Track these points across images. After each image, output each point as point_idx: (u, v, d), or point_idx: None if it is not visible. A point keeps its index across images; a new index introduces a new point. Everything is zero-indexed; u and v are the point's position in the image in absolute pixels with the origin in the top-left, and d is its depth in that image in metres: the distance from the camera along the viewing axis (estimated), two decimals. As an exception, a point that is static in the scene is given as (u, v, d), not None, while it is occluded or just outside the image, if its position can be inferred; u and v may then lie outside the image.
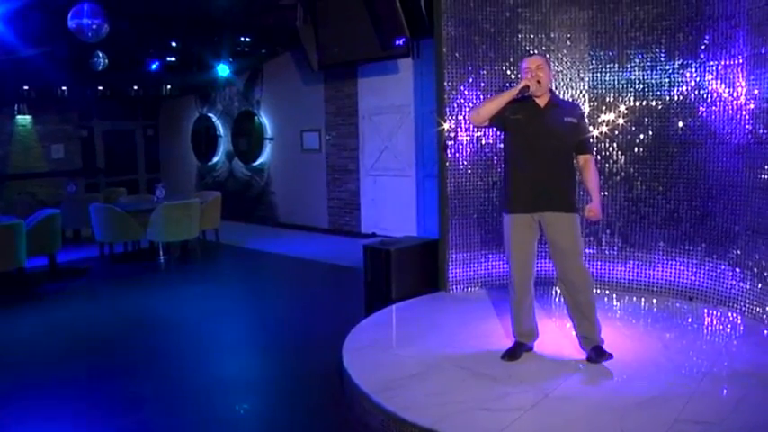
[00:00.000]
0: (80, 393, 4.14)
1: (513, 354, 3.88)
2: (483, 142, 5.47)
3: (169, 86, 13.38)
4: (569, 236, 3.73)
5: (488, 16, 5.36)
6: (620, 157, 5.40)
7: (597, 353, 3.72)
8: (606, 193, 5.43)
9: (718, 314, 4.75)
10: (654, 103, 5.24)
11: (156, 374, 4.49)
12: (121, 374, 4.45)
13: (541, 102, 3.79)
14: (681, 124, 5.11)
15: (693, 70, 5.01)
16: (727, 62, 4.75)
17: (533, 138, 3.74)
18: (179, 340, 5.28)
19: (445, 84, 5.34)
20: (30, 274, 7.54)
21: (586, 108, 5.38)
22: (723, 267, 4.85)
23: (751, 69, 4.49)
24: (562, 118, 3.76)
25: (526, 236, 3.81)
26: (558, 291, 4.22)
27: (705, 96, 4.95)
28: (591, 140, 4.32)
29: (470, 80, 5.39)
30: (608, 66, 5.38)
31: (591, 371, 3.66)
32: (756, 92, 4.44)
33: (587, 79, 5.45)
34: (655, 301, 5.18)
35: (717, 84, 4.85)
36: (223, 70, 11.05)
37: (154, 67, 10.46)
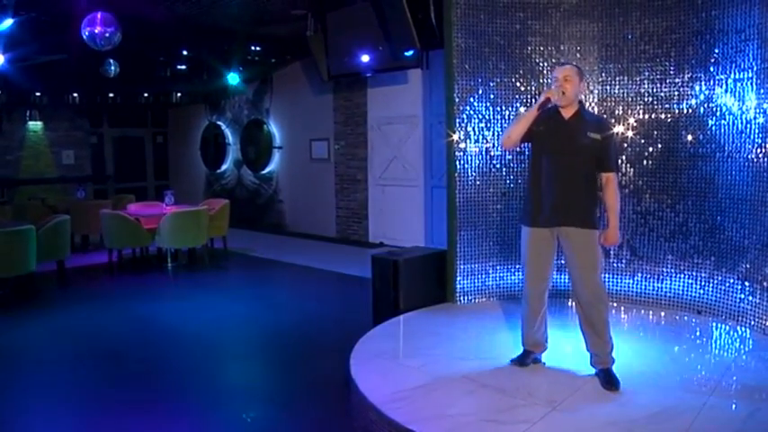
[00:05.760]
0: (87, 398, 4.16)
1: (521, 360, 3.89)
2: (492, 153, 5.48)
3: (179, 94, 13.50)
4: (587, 252, 3.68)
5: (498, 28, 5.39)
6: (629, 169, 5.40)
7: (605, 378, 3.64)
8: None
9: (727, 328, 4.73)
10: (663, 117, 5.24)
11: (162, 381, 4.50)
12: (128, 380, 4.46)
13: (566, 113, 3.72)
14: (690, 137, 5.11)
15: (703, 84, 5.01)
16: (737, 76, 4.75)
17: (554, 150, 3.69)
18: (186, 347, 5.30)
19: (455, 95, 5.36)
20: (39, 279, 7.59)
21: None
22: (732, 281, 4.83)
23: (761, 83, 4.48)
24: (585, 133, 3.66)
25: (543, 250, 3.78)
26: (572, 304, 4.20)
27: (714, 110, 4.96)
28: (616, 158, 4.25)
29: (480, 91, 5.41)
30: (617, 78, 5.39)
31: (600, 385, 3.64)
32: (766, 106, 4.44)
33: (597, 92, 5.46)
34: (663, 314, 5.17)
35: (726, 97, 4.85)
36: (233, 79, 11.13)
37: (164, 74, 10.54)
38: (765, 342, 4.36)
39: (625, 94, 5.38)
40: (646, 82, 5.28)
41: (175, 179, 15.48)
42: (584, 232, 3.67)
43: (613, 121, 5.40)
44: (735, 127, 4.79)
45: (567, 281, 3.99)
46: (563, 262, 4.01)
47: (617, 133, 5.37)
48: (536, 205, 3.75)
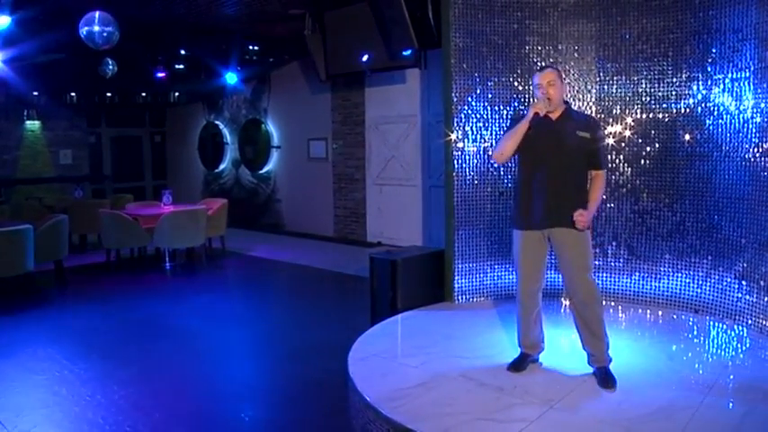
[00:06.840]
0: (84, 398, 4.15)
1: (518, 365, 3.87)
2: (490, 153, 5.48)
3: (177, 93, 13.47)
4: (578, 251, 3.69)
5: (496, 28, 5.39)
6: (626, 169, 5.41)
7: (603, 377, 3.64)
8: (612, 205, 5.44)
9: (724, 327, 4.74)
10: (661, 116, 5.25)
11: (160, 380, 4.50)
12: (126, 380, 4.46)
13: (554, 115, 3.74)
14: (687, 137, 5.12)
15: (700, 83, 5.02)
16: (734, 75, 4.76)
17: (543, 152, 3.70)
18: (184, 347, 5.30)
19: (452, 94, 5.36)
20: (37, 279, 7.58)
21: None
22: (729, 280, 4.84)
23: (758, 83, 4.50)
24: (574, 132, 3.68)
25: (536, 251, 3.79)
26: (566, 303, 4.21)
27: (712, 109, 4.97)
28: (606, 155, 4.24)
29: (478, 91, 5.42)
30: (615, 78, 5.40)
31: (596, 383, 3.65)
32: (763, 105, 4.45)
33: (594, 91, 5.47)
34: (660, 313, 5.18)
35: (724, 97, 4.87)
36: (231, 78, 11.12)
37: (162, 74, 10.53)
38: (762, 341, 4.37)
39: (623, 94, 5.38)
40: (643, 81, 5.30)
41: (173, 179, 15.46)
42: (576, 232, 3.67)
43: (611, 120, 5.41)
44: (732, 126, 4.80)
45: (561, 280, 3.99)
46: (555, 262, 4.01)
47: (615, 133, 5.39)
48: (528, 208, 3.76)
